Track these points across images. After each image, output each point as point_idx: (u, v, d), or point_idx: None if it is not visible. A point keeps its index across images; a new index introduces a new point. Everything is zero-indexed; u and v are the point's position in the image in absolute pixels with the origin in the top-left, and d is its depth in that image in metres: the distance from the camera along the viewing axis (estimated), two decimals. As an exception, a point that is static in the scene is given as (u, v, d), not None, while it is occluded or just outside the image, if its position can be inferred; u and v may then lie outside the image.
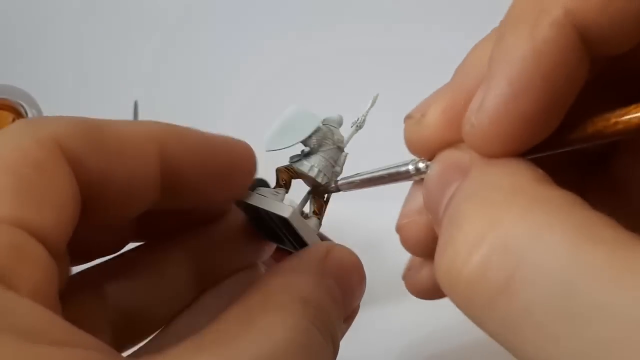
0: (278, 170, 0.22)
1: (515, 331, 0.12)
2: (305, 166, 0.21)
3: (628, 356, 0.10)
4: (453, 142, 0.16)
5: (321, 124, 0.22)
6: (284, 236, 0.21)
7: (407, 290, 0.35)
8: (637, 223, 0.17)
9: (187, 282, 0.21)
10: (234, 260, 0.22)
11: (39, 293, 0.13)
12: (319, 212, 0.22)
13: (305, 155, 0.22)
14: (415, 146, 0.17)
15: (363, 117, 0.23)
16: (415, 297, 0.33)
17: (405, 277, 0.20)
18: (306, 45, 0.57)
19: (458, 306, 0.13)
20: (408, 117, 0.17)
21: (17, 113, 0.43)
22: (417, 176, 0.17)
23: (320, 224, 0.22)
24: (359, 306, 0.20)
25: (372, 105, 0.22)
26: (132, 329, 0.19)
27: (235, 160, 0.19)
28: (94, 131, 0.16)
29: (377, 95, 0.22)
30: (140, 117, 0.50)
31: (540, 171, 0.14)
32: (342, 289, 0.18)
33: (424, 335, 0.30)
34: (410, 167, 0.17)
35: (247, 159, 0.20)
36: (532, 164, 0.14)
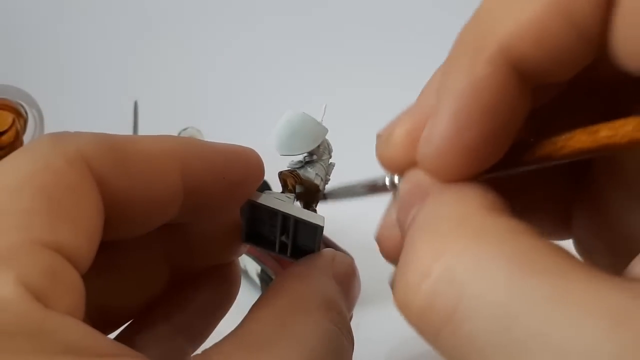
0: (284, 175, 0.23)
1: (461, 359, 0.12)
2: (310, 174, 0.22)
3: None
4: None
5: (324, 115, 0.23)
6: (278, 241, 0.21)
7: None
8: (617, 231, 0.17)
9: (160, 275, 0.22)
10: (210, 258, 0.23)
11: (74, 314, 0.14)
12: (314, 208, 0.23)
13: (307, 162, 0.23)
14: (384, 164, 0.18)
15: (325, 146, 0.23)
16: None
17: (377, 239, 0.21)
18: (307, 45, 0.57)
19: (415, 331, 0.14)
20: (378, 136, 0.18)
21: (17, 113, 0.43)
22: (392, 189, 0.18)
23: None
24: (352, 314, 0.21)
25: (321, 117, 0.23)
26: (104, 320, 0.19)
27: (247, 169, 0.20)
28: (119, 150, 0.16)
29: (325, 105, 0.23)
30: (140, 117, 0.50)
31: (491, 197, 0.14)
32: (345, 291, 0.20)
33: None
34: (387, 180, 0.18)
35: (257, 166, 0.20)
36: (485, 190, 0.14)
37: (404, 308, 0.14)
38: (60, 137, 0.16)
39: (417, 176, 0.16)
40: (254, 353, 0.15)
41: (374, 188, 0.19)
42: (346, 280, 0.20)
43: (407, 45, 0.55)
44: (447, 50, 0.15)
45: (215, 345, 0.15)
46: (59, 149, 0.15)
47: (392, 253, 0.18)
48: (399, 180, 0.18)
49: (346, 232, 0.33)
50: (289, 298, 0.18)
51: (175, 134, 0.43)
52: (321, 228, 0.20)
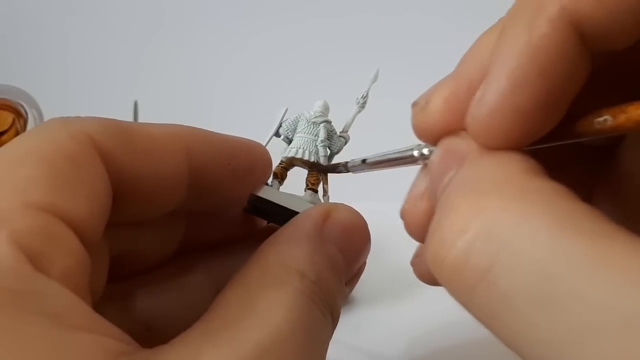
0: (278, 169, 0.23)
1: (495, 317, 0.12)
2: (285, 151, 0.23)
3: (599, 342, 0.10)
4: (456, 129, 0.16)
5: (284, 118, 0.24)
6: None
7: (408, 289, 0.35)
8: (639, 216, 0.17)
9: (205, 299, 0.22)
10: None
11: (69, 279, 0.13)
12: (314, 185, 0.22)
13: (288, 144, 0.24)
14: (420, 132, 0.17)
15: (365, 94, 0.23)
16: (417, 297, 0.33)
17: (412, 264, 0.20)
18: (308, 45, 0.57)
19: (447, 290, 0.14)
20: (414, 104, 0.18)
21: (17, 113, 0.43)
22: (421, 161, 0.18)
23: (315, 194, 0.23)
24: (364, 264, 0.19)
25: (373, 81, 0.23)
26: (149, 338, 0.19)
27: (252, 159, 0.20)
28: (125, 130, 0.17)
29: (378, 70, 0.22)
30: (140, 117, 0.50)
31: (532, 162, 0.14)
32: (344, 253, 0.18)
33: (426, 333, 0.30)
34: (416, 152, 0.18)
35: (263, 158, 0.21)
36: (525, 155, 0.14)
37: (437, 264, 0.13)
38: (68, 118, 0.16)
39: (453, 142, 0.16)
40: (220, 340, 0.14)
41: (402, 159, 0.19)
42: (344, 238, 0.18)
43: (408, 43, 0.55)
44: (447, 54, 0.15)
45: (182, 335, 0.14)
46: (64, 126, 0.16)
47: (417, 226, 0.18)
48: (429, 151, 0.17)
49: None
50: (259, 271, 0.16)
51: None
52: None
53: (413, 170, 0.19)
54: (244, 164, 0.20)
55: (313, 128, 0.23)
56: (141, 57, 0.62)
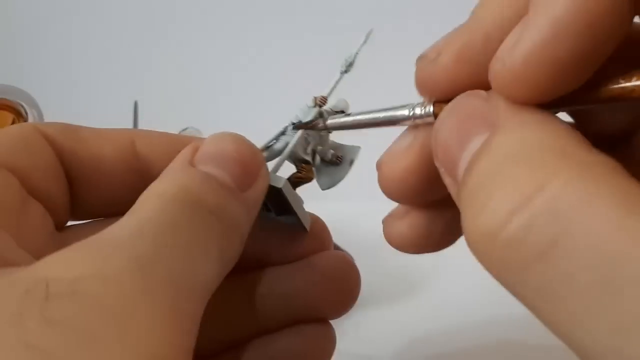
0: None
1: (551, 299, 0.11)
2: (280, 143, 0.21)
3: None
4: (468, 85, 0.15)
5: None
6: (266, 212, 0.21)
7: (408, 289, 0.35)
8: None
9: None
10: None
11: (1, 212, 0.16)
12: (299, 178, 0.21)
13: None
14: (427, 87, 0.16)
15: (352, 57, 0.21)
16: (417, 297, 0.33)
17: (384, 223, 0.19)
18: (308, 45, 0.57)
19: (490, 271, 0.13)
20: (421, 57, 0.16)
21: (17, 113, 0.43)
22: (419, 120, 0.17)
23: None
24: (262, 167, 0.19)
25: (364, 43, 0.21)
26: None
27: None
28: (71, 126, 0.20)
29: (371, 30, 0.20)
30: (140, 118, 0.50)
31: (577, 132, 0.13)
32: (222, 165, 0.18)
33: (422, 335, 0.30)
34: (417, 109, 0.17)
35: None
36: (565, 123, 0.13)
37: (487, 243, 0.12)
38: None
39: (475, 103, 0.15)
40: (63, 250, 0.14)
41: (394, 118, 0.17)
42: (217, 155, 0.18)
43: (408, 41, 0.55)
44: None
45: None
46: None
47: (394, 182, 0.17)
48: (431, 110, 0.16)
49: (346, 232, 0.33)
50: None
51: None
52: (279, 189, 0.19)
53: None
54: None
55: (291, 131, 0.21)
56: (141, 57, 0.62)
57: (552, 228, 0.11)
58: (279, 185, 0.19)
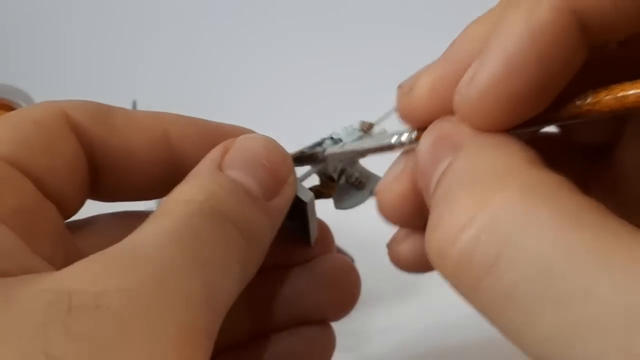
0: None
1: (499, 310, 0.12)
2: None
3: (603, 337, 0.10)
4: (442, 114, 0.16)
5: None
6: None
7: (408, 289, 0.35)
8: (635, 212, 0.17)
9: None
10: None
11: (17, 217, 0.15)
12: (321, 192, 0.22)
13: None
14: (405, 116, 0.17)
15: (367, 125, 0.22)
16: (417, 297, 0.33)
17: (388, 247, 0.20)
18: (309, 45, 0.57)
19: (449, 283, 0.13)
20: (399, 87, 0.17)
21: (16, 113, 0.43)
22: (406, 146, 0.18)
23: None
24: (290, 175, 0.19)
25: (385, 117, 0.21)
26: None
27: None
28: (102, 109, 0.18)
29: (392, 110, 0.21)
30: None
31: (532, 152, 0.14)
32: (251, 173, 0.18)
33: (422, 335, 0.30)
34: (394, 139, 0.18)
35: None
36: (525, 145, 0.14)
37: (440, 258, 0.13)
38: (51, 101, 0.18)
39: (444, 127, 0.16)
40: (86, 260, 0.14)
41: (384, 147, 0.18)
42: (247, 161, 0.18)
43: (409, 38, 0.55)
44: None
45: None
46: (41, 103, 0.17)
47: (390, 208, 0.18)
48: (414, 137, 0.17)
49: (346, 232, 0.33)
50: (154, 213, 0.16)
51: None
52: (302, 202, 0.19)
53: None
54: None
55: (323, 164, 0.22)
56: (141, 57, 0.62)
57: (494, 243, 0.12)
58: (306, 199, 0.20)
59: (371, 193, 0.22)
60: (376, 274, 0.28)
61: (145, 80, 0.60)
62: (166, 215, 0.15)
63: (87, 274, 0.13)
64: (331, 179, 0.22)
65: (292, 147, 0.22)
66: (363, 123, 0.21)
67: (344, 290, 0.21)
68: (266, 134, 0.21)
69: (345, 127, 0.21)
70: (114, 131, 0.18)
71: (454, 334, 0.30)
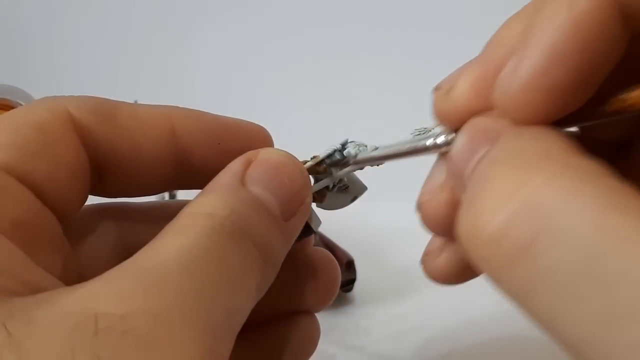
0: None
1: (534, 292, 0.12)
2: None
3: None
4: (481, 112, 0.16)
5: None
6: None
7: (408, 289, 0.35)
8: None
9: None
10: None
11: (17, 229, 0.14)
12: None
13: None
14: (443, 117, 0.17)
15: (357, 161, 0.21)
16: (417, 297, 0.33)
17: (423, 262, 0.20)
18: (309, 45, 0.57)
19: (478, 266, 0.13)
20: (437, 89, 0.17)
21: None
22: (440, 148, 0.17)
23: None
24: (307, 197, 0.19)
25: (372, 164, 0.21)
26: None
27: (247, 140, 0.19)
28: (107, 106, 0.18)
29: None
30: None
31: (572, 141, 0.13)
32: (273, 191, 0.17)
33: (426, 333, 0.30)
34: (440, 139, 0.17)
35: (261, 140, 0.20)
36: (563, 133, 0.14)
37: (472, 237, 0.13)
38: (52, 97, 0.17)
39: (482, 122, 0.15)
40: (106, 274, 0.13)
41: (418, 149, 0.18)
42: (270, 178, 0.17)
43: (409, 37, 0.55)
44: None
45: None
46: (43, 102, 0.17)
47: (437, 218, 0.17)
48: (451, 138, 0.17)
49: (346, 232, 0.33)
50: (171, 223, 0.16)
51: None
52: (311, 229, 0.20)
53: (412, 169, 0.19)
54: (237, 144, 0.19)
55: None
56: (141, 57, 0.62)
57: (533, 223, 0.12)
58: (315, 228, 0.19)
59: (353, 200, 0.22)
60: (376, 274, 0.29)
61: (145, 80, 0.60)
62: (188, 229, 0.15)
63: (110, 295, 0.13)
64: (327, 187, 0.22)
65: (293, 148, 0.22)
66: (314, 158, 0.21)
67: (327, 281, 0.22)
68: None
69: (357, 144, 0.21)
70: (120, 131, 0.18)
71: (454, 334, 0.30)
